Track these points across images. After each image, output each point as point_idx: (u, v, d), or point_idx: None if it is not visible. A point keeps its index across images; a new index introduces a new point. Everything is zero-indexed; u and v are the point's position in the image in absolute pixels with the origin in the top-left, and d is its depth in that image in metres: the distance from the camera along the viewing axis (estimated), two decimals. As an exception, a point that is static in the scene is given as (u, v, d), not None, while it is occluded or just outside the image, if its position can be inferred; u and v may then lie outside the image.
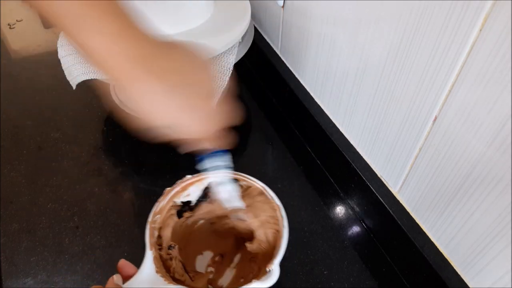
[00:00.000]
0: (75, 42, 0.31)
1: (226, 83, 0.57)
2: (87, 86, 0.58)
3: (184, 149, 0.40)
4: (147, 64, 0.32)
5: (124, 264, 0.38)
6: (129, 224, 0.54)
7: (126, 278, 0.37)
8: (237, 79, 0.76)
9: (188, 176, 0.47)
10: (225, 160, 0.43)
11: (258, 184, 0.47)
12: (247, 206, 0.47)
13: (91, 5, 0.30)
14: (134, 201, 0.57)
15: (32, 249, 0.51)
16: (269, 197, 0.45)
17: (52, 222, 0.53)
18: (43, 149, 0.63)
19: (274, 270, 0.39)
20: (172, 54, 0.35)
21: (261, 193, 0.46)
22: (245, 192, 0.48)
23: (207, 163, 0.43)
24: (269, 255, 0.42)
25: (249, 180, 0.47)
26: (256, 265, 0.45)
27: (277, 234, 0.44)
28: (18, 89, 0.73)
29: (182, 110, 0.34)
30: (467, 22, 0.32)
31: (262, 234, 0.46)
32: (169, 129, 0.36)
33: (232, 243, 0.49)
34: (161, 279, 0.38)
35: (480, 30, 0.31)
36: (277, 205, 0.44)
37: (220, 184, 0.45)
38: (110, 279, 0.36)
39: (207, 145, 0.40)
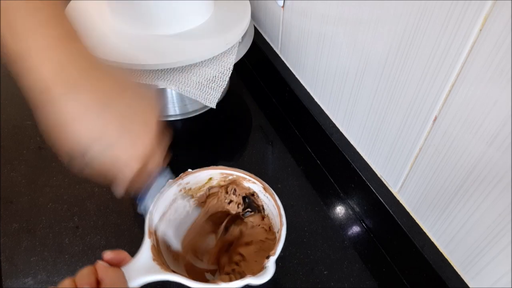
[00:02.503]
0: (10, 43, 0.29)
1: (226, 83, 0.57)
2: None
3: (118, 190, 0.37)
4: (85, 74, 0.30)
5: (112, 256, 0.36)
6: (129, 224, 0.54)
7: (120, 263, 0.36)
8: (237, 79, 0.76)
9: (190, 170, 0.48)
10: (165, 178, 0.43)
11: (262, 183, 0.47)
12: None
13: (36, 7, 0.28)
14: (134, 201, 0.57)
15: (32, 249, 0.51)
16: (270, 196, 0.46)
17: (52, 222, 0.53)
18: (43, 149, 0.63)
19: (270, 266, 0.39)
20: (113, 74, 0.33)
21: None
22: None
23: (149, 199, 0.43)
24: (264, 251, 0.42)
25: (251, 179, 0.48)
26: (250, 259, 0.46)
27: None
28: (18, 89, 0.73)
29: (113, 129, 0.32)
30: (467, 22, 0.32)
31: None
32: (95, 151, 0.32)
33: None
34: (158, 267, 0.38)
35: (480, 30, 0.31)
36: (278, 205, 0.45)
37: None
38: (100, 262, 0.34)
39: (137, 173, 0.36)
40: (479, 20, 0.31)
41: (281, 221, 0.43)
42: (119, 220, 0.54)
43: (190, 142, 0.67)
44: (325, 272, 0.50)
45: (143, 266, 0.37)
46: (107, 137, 0.32)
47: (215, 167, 0.48)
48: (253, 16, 0.70)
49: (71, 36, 0.31)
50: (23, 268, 0.49)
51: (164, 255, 0.43)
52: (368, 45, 0.45)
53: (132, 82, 0.34)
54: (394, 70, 0.42)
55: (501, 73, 0.31)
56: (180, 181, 0.47)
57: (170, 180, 0.46)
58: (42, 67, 0.29)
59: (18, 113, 0.68)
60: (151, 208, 0.43)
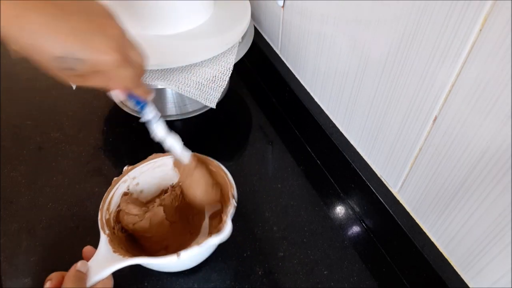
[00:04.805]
0: None
1: (226, 83, 0.57)
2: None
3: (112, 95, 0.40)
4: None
5: (88, 249, 0.40)
6: (129, 224, 0.54)
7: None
8: (237, 79, 0.76)
9: (126, 168, 0.50)
10: (152, 112, 0.44)
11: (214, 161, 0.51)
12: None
13: None
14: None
15: (32, 249, 0.51)
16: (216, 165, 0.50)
17: (52, 222, 0.53)
18: (43, 149, 0.63)
19: (227, 223, 0.42)
20: None
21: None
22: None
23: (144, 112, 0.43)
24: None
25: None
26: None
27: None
28: (18, 89, 0.73)
29: (76, 33, 0.32)
30: (467, 22, 0.32)
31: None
32: (72, 62, 0.33)
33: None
34: (120, 257, 0.39)
35: (480, 30, 0.31)
36: (224, 172, 0.49)
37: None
38: (74, 265, 0.37)
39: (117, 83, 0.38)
40: (479, 20, 0.31)
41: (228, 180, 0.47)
42: (119, 220, 0.54)
43: (190, 142, 0.67)
44: (325, 272, 0.50)
45: (103, 259, 0.39)
46: (66, 44, 0.32)
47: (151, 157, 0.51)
48: (253, 16, 0.70)
49: None
50: (23, 268, 0.49)
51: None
52: (368, 45, 0.45)
53: None
54: (394, 70, 0.42)
55: (501, 73, 0.31)
56: (126, 177, 0.49)
57: (115, 178, 0.48)
58: None
59: (18, 113, 0.68)
60: (101, 205, 0.45)
